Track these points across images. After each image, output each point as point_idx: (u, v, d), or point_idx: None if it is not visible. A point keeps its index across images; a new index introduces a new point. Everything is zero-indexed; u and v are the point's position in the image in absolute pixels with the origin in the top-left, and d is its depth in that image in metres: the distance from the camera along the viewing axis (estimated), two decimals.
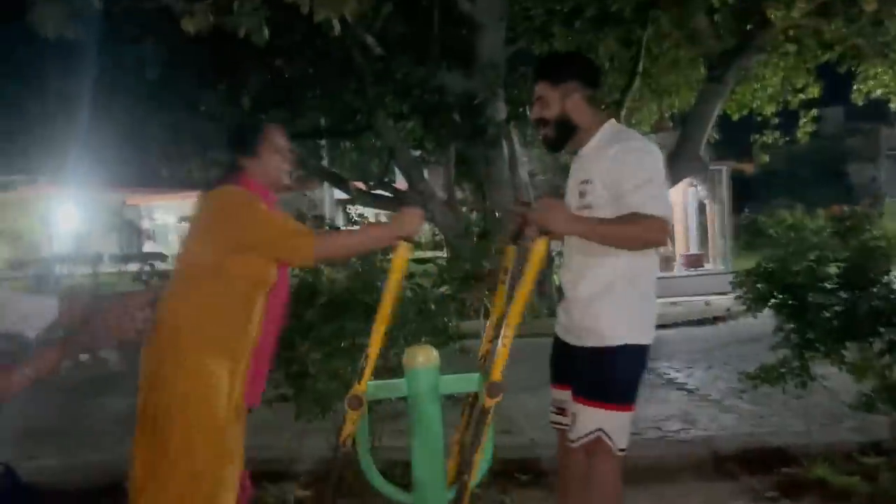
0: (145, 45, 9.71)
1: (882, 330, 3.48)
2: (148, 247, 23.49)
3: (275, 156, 2.48)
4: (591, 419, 2.36)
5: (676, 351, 8.01)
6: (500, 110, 10.35)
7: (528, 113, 7.34)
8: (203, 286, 2.33)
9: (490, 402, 2.16)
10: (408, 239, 2.28)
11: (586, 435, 2.36)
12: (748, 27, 10.50)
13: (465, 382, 2.49)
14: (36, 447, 4.60)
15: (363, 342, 2.31)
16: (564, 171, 3.36)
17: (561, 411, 2.53)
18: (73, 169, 13.98)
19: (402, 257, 2.27)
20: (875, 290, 3.59)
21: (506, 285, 2.65)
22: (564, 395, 2.49)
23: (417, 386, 2.30)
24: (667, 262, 14.28)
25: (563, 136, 2.50)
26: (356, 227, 4.26)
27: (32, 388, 1.64)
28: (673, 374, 6.81)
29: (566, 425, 2.45)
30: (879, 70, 11.57)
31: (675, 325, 9.93)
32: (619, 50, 12.07)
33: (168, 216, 23.53)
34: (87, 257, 19.24)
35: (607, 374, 2.37)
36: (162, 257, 4.54)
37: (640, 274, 2.40)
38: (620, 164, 2.31)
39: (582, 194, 2.41)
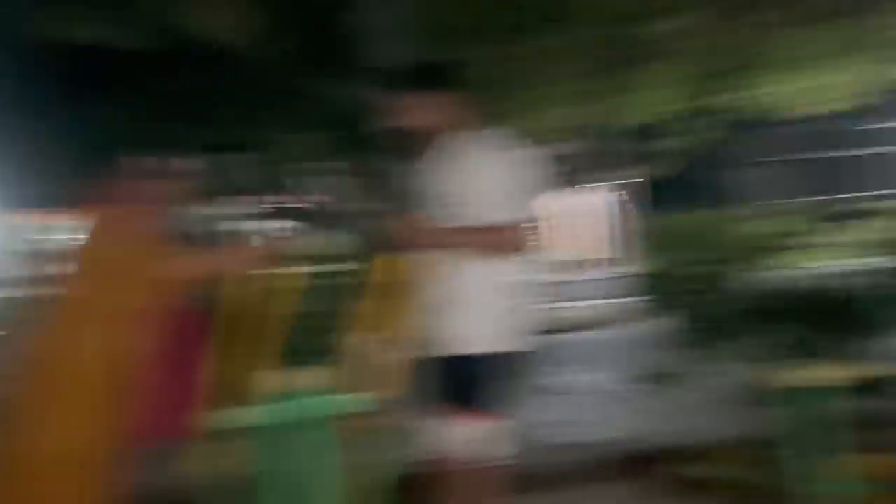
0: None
1: (745, 328, 3.58)
2: (24, 268, 22.26)
3: (143, 182, 2.37)
4: (460, 431, 2.25)
5: (569, 355, 8.08)
6: None
7: None
8: (67, 317, 2.15)
9: (363, 424, 2.05)
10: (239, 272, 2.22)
11: (456, 449, 2.25)
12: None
13: (335, 404, 2.34)
14: None
15: None
16: None
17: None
18: None
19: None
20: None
21: (377, 301, 2.55)
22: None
23: (276, 413, 2.14)
24: (571, 266, 14.55)
25: (418, 145, 2.48)
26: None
27: None
28: (562, 379, 6.84)
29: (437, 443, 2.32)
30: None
31: (572, 329, 10.07)
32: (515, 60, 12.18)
33: (43, 234, 22.43)
34: None
35: (473, 384, 2.26)
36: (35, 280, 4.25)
37: (503, 280, 2.33)
38: (474, 173, 2.29)
39: (438, 202, 2.38)
